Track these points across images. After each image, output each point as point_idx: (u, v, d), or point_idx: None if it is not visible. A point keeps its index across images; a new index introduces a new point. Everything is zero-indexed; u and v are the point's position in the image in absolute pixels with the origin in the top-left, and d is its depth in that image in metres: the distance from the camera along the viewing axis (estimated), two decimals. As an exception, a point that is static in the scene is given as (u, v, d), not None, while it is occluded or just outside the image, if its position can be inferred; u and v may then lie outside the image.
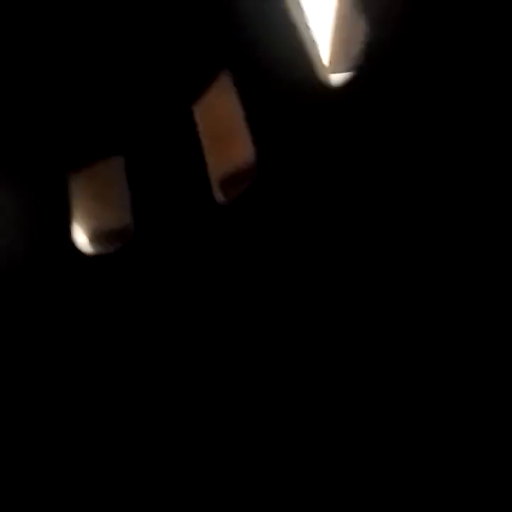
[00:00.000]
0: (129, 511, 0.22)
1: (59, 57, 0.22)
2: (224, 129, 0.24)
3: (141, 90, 0.23)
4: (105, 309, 0.22)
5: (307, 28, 0.23)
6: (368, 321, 0.23)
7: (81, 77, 0.22)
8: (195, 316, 0.22)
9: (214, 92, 0.24)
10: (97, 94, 0.22)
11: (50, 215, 0.22)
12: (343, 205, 0.23)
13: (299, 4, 0.24)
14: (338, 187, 0.23)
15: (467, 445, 0.22)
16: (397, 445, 0.22)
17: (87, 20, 0.22)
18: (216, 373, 0.23)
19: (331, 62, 0.25)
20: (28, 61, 0.22)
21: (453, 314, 0.22)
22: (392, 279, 0.23)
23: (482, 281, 0.22)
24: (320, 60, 0.23)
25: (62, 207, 0.22)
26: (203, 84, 0.24)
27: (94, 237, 0.23)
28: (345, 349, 0.23)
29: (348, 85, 0.22)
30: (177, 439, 0.22)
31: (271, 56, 0.23)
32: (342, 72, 0.23)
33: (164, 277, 0.23)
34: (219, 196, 0.24)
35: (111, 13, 0.22)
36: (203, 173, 0.24)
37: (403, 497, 0.22)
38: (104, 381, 0.22)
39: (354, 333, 0.23)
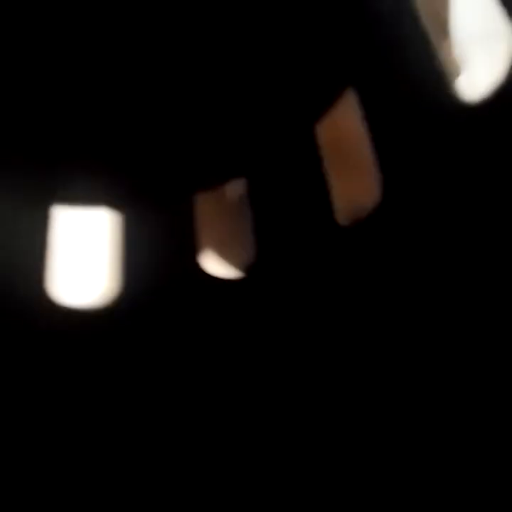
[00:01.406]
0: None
1: (181, 82, 0.21)
2: (348, 150, 0.24)
3: (262, 110, 0.22)
4: (227, 331, 0.21)
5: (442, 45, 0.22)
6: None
7: (201, 100, 0.22)
8: (318, 341, 0.22)
9: (338, 110, 0.23)
10: (218, 116, 0.22)
11: (176, 236, 0.21)
12: (477, 231, 0.22)
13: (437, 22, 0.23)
14: (470, 215, 0.22)
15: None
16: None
17: (204, 39, 0.21)
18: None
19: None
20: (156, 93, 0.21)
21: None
22: None
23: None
24: (454, 78, 0.22)
25: (188, 228, 0.21)
26: (326, 103, 0.23)
27: (219, 259, 0.23)
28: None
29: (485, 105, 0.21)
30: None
31: (400, 74, 0.22)
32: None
33: (287, 301, 0.22)
34: (342, 219, 0.23)
35: (232, 30, 0.21)
36: (325, 194, 0.23)
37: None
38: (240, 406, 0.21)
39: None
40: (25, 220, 0.19)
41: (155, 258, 0.21)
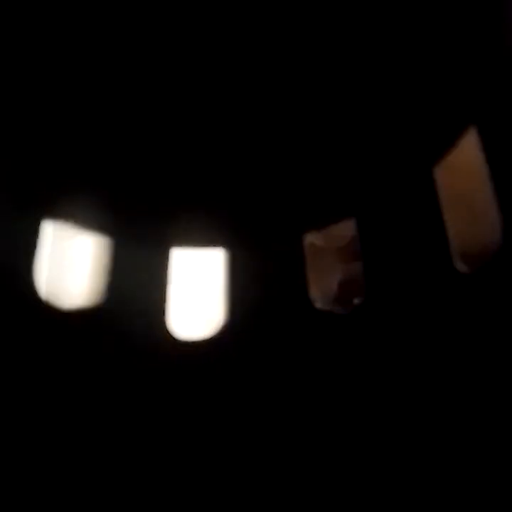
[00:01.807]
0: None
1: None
2: (468, 193, 0.23)
3: (378, 149, 0.22)
4: (335, 366, 0.22)
5: None
6: None
7: (315, 140, 0.22)
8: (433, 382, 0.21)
9: (459, 151, 0.22)
10: (332, 155, 0.22)
11: (284, 274, 0.22)
12: None
13: None
14: None
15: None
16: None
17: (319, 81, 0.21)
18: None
19: None
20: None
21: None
22: None
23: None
24: None
25: (296, 266, 0.22)
26: (447, 143, 0.22)
27: (329, 295, 0.23)
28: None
29: None
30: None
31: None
32: None
33: (394, 342, 0.22)
34: (461, 265, 0.22)
35: (349, 67, 0.21)
36: (443, 239, 0.22)
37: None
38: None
39: None
40: (147, 261, 0.21)
41: (262, 293, 0.22)
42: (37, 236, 0.22)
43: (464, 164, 0.22)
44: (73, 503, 0.22)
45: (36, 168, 0.22)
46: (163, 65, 0.20)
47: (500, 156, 0.22)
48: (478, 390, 0.22)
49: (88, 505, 0.22)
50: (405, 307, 0.22)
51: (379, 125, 0.22)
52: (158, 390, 0.22)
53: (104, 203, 0.21)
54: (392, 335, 0.22)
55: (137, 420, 0.22)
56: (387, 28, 0.22)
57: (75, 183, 0.21)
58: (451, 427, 0.21)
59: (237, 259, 0.22)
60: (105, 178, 0.21)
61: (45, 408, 0.22)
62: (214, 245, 0.22)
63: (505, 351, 0.21)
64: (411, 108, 0.22)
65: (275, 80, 0.21)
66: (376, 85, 0.22)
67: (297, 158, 0.22)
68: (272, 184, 0.22)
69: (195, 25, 0.20)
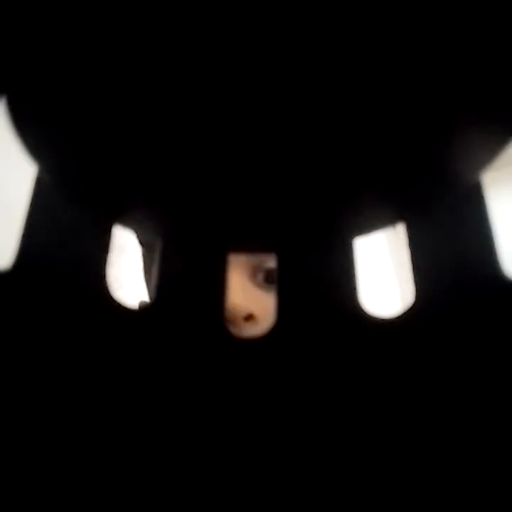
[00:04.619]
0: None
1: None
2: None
3: (425, 157, 0.23)
4: (391, 374, 0.22)
5: None
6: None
7: (363, 149, 0.23)
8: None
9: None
10: (382, 159, 0.23)
11: (335, 277, 0.23)
12: None
13: None
14: None
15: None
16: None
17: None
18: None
19: None
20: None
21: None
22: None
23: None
24: None
25: (347, 269, 0.23)
26: (493, 153, 0.23)
27: (377, 299, 0.24)
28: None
29: None
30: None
31: None
32: None
33: (440, 347, 0.22)
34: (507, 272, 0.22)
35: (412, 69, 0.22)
36: (491, 246, 0.22)
37: None
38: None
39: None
40: (202, 265, 0.23)
41: (312, 297, 0.23)
42: (108, 239, 0.24)
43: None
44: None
45: (107, 183, 0.24)
46: (224, 92, 0.21)
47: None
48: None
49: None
50: (452, 313, 0.22)
51: (428, 132, 0.23)
52: (212, 386, 0.23)
53: (163, 212, 0.23)
54: (438, 340, 0.22)
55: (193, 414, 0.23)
56: (449, 38, 0.22)
57: (139, 193, 0.23)
58: (502, 435, 0.21)
59: (288, 263, 0.23)
60: (165, 190, 0.23)
61: (119, 398, 0.23)
62: (267, 250, 0.23)
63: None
64: (457, 116, 0.23)
65: (328, 86, 0.22)
66: (423, 95, 0.22)
67: (347, 165, 0.23)
68: (323, 190, 0.23)
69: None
